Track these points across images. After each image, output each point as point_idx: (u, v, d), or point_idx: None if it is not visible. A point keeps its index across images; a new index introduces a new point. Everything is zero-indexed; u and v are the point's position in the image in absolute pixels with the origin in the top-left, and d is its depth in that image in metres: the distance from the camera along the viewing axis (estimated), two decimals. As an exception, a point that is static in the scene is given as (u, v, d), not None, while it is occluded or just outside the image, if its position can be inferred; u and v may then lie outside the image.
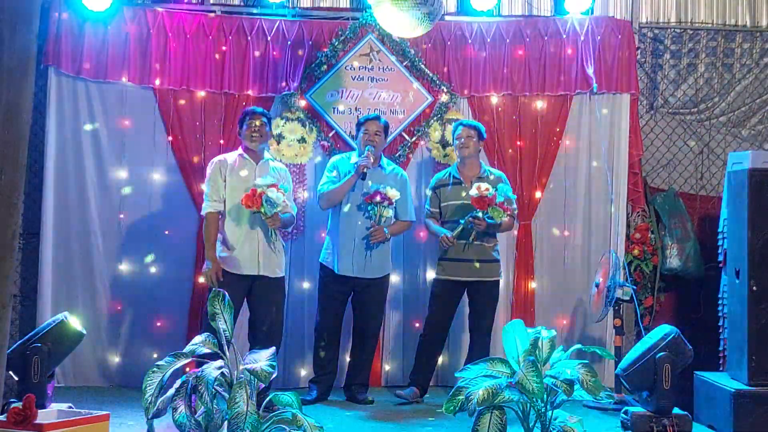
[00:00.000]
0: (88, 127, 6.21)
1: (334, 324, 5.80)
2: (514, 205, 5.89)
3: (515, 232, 6.47)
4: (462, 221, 5.63)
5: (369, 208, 5.62)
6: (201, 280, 5.76)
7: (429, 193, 5.96)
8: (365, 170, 5.59)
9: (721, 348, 5.80)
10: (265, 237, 5.40)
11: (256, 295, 5.42)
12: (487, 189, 5.54)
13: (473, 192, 5.56)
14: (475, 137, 5.84)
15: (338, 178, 5.70)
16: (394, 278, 6.35)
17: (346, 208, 5.69)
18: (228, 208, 5.40)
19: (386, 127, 5.81)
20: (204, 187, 5.54)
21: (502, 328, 4.60)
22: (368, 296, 5.76)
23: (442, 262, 5.82)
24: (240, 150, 5.56)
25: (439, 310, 5.85)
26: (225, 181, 5.41)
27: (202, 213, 5.50)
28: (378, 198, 5.57)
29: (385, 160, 5.90)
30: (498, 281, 5.91)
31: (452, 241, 5.65)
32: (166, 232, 6.26)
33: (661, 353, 4.75)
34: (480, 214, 5.55)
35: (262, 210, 5.20)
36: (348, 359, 5.97)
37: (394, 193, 5.62)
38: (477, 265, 5.72)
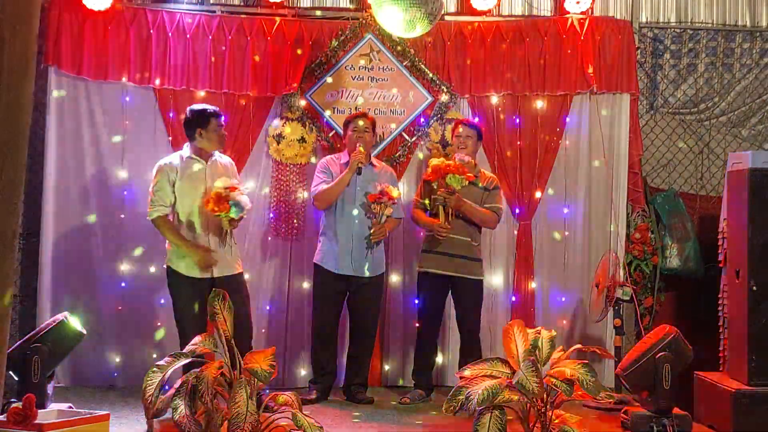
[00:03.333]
0: (87, 127, 6.21)
1: (331, 324, 5.79)
2: (501, 205, 5.94)
3: (515, 232, 6.48)
4: (437, 202, 5.70)
5: (372, 207, 5.63)
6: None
7: (422, 184, 5.98)
8: (361, 166, 5.62)
9: (721, 348, 5.80)
10: (218, 239, 5.28)
11: None
12: (441, 160, 5.66)
13: (429, 169, 5.68)
14: (475, 137, 5.91)
15: (331, 179, 5.71)
16: (395, 277, 6.36)
17: (343, 207, 5.69)
18: (179, 214, 5.26)
19: (374, 124, 5.87)
20: (150, 191, 5.30)
21: (501, 328, 4.60)
22: (365, 295, 5.76)
23: (426, 254, 5.85)
24: (187, 151, 5.35)
25: (428, 306, 5.88)
26: (173, 186, 5.25)
27: (150, 218, 5.25)
28: (385, 198, 5.61)
29: (373, 158, 5.92)
30: (481, 281, 5.92)
31: (447, 227, 5.68)
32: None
33: (661, 353, 4.75)
34: (434, 186, 5.64)
35: (231, 214, 5.11)
36: (346, 359, 5.95)
37: (395, 192, 5.70)
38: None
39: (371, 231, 5.66)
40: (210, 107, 5.42)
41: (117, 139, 6.26)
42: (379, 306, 5.95)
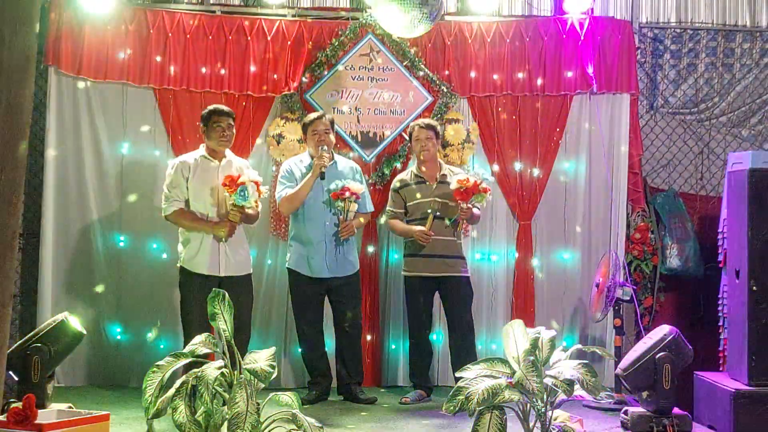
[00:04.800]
0: (87, 127, 6.21)
1: (315, 327, 5.78)
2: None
3: (515, 232, 6.48)
4: (430, 210, 5.69)
5: (336, 204, 5.61)
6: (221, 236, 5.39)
7: (392, 194, 5.96)
8: (323, 169, 5.57)
9: (721, 348, 5.80)
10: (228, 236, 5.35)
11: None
12: (467, 180, 5.61)
13: (455, 185, 5.62)
14: (434, 137, 5.86)
15: (295, 183, 5.67)
16: (392, 276, 6.37)
17: (310, 211, 5.66)
18: (192, 210, 5.37)
19: (332, 123, 5.81)
20: (164, 188, 5.42)
21: (502, 328, 4.59)
22: (343, 295, 5.75)
23: (409, 259, 5.85)
24: (201, 150, 5.48)
25: (416, 310, 5.88)
26: (187, 182, 5.35)
27: (165, 214, 5.37)
28: (347, 194, 5.56)
29: (336, 156, 5.89)
30: (468, 277, 5.91)
31: (430, 234, 5.67)
32: (166, 232, 6.25)
33: (661, 353, 4.75)
34: (464, 206, 5.61)
35: (233, 197, 5.17)
36: (337, 361, 5.87)
37: (358, 187, 5.63)
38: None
39: (338, 228, 5.65)
40: (220, 107, 5.53)
41: (117, 139, 6.26)
42: (359, 302, 5.92)
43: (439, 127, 6.01)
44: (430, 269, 5.77)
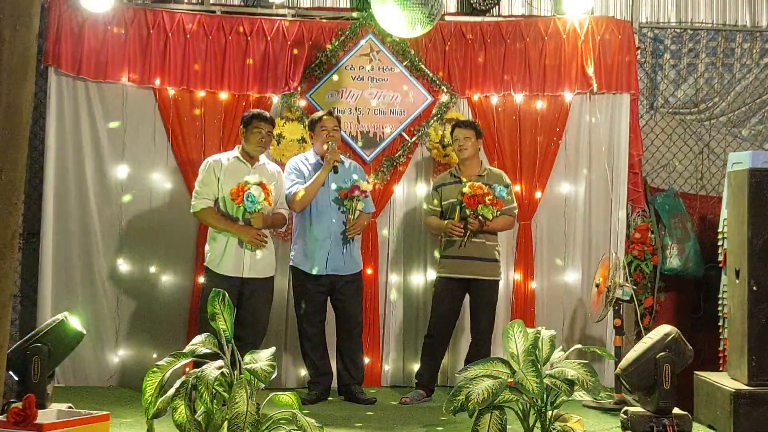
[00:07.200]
0: (88, 127, 6.22)
1: (317, 326, 5.77)
2: (514, 204, 5.91)
3: (515, 232, 6.48)
4: (456, 202, 5.70)
5: (345, 202, 5.62)
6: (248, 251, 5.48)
7: (431, 192, 5.98)
8: (337, 164, 5.59)
9: (721, 348, 5.80)
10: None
11: (244, 295, 5.42)
12: (480, 187, 5.60)
13: (466, 190, 5.64)
14: (473, 137, 5.87)
15: (304, 180, 5.68)
16: (395, 278, 6.37)
17: (317, 208, 5.67)
18: (220, 210, 5.44)
19: (339, 121, 5.84)
20: (196, 184, 5.53)
21: (502, 328, 4.60)
22: (347, 293, 5.75)
23: (443, 260, 5.85)
24: (236, 152, 5.57)
25: (442, 310, 5.87)
26: (218, 181, 5.43)
27: (194, 210, 5.47)
28: (357, 192, 5.59)
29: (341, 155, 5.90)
30: (498, 281, 5.92)
31: (459, 225, 5.67)
32: (166, 232, 6.26)
33: (661, 353, 4.75)
34: (468, 212, 5.61)
35: (243, 206, 5.23)
36: (338, 361, 5.87)
37: (367, 185, 5.68)
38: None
39: (346, 227, 5.66)
40: (263, 112, 5.62)
41: (117, 139, 6.26)
42: (361, 301, 5.92)
43: (479, 126, 6.01)
44: (462, 270, 5.77)
